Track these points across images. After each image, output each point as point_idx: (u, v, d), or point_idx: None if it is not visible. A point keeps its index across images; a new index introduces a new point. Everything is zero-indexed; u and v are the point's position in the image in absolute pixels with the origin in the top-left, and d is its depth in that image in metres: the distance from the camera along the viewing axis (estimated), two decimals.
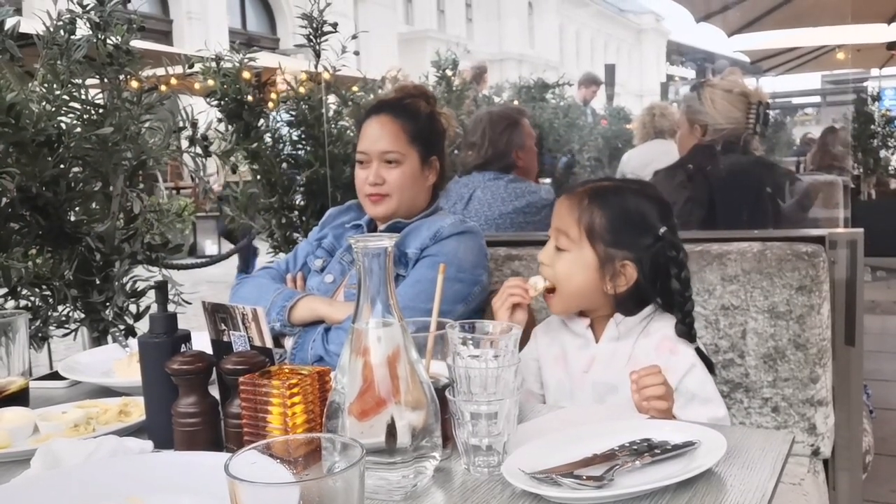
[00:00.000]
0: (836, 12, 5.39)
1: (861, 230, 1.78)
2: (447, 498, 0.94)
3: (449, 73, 3.78)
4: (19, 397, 1.30)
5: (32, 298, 1.93)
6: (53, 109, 1.85)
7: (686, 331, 1.40)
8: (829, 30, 6.73)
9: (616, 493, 0.90)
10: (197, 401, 1.08)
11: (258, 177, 2.68)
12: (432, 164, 1.78)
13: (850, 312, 1.78)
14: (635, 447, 0.99)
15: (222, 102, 2.62)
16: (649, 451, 0.98)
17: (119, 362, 1.51)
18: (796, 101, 12.71)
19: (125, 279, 2.02)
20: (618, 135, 6.75)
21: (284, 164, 2.73)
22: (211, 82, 2.61)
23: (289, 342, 1.69)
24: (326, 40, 2.73)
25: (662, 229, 1.41)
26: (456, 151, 2.83)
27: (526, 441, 1.03)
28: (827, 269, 1.64)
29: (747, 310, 1.67)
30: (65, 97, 1.88)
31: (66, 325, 2.00)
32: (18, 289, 1.88)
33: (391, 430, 0.91)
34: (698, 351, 1.41)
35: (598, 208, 1.41)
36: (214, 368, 1.11)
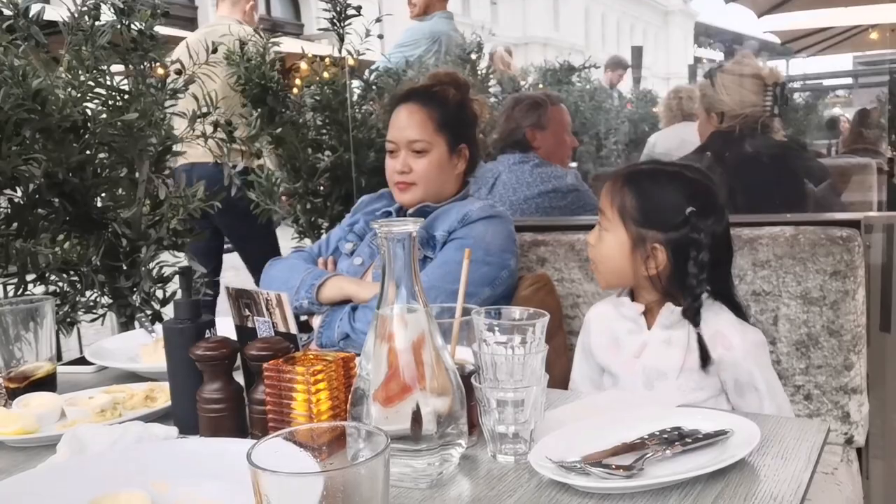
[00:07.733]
0: None
1: None
2: (473, 486, 0.93)
3: (474, 56, 3.74)
4: (47, 382, 1.30)
5: (60, 284, 1.95)
6: (79, 95, 1.85)
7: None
8: (862, 9, 6.56)
9: (646, 482, 0.88)
10: (221, 387, 1.08)
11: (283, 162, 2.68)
12: (461, 152, 1.77)
13: (885, 298, 1.74)
14: (665, 436, 0.97)
15: (246, 87, 2.62)
16: (680, 439, 0.96)
17: (145, 347, 1.52)
18: (827, 82, 12.47)
19: (151, 265, 2.02)
20: (644, 118, 6.67)
21: (309, 150, 2.72)
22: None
23: (317, 321, 1.72)
24: (350, 24, 2.70)
25: (689, 209, 1.39)
26: (481, 136, 2.81)
27: (553, 429, 1.01)
28: (862, 253, 1.60)
29: (779, 296, 1.63)
30: (90, 83, 1.88)
31: (94, 311, 2.01)
32: (46, 274, 1.89)
33: (416, 417, 0.90)
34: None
35: (631, 190, 1.43)
36: (239, 354, 1.10)
